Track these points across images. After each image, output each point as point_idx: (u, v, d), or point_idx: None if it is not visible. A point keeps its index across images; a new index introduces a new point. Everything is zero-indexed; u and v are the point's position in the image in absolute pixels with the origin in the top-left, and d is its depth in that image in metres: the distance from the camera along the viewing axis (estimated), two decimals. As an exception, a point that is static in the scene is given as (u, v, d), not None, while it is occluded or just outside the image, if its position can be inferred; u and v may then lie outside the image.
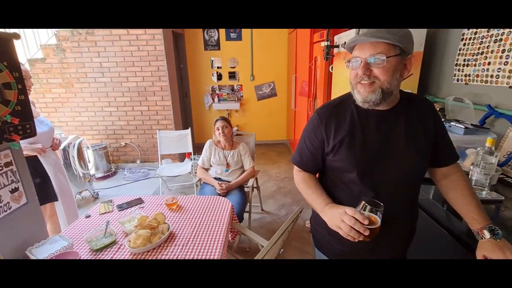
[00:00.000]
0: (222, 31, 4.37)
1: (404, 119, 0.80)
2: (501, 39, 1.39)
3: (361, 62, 0.73)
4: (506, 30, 1.36)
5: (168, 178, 3.32)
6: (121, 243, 1.26)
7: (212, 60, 4.51)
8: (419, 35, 1.78)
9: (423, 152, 0.81)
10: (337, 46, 2.08)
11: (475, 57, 1.55)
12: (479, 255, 0.75)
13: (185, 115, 4.47)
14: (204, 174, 2.20)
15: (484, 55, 1.49)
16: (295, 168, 0.96)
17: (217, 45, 4.44)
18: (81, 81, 3.53)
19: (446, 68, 1.80)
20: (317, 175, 0.96)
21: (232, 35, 4.42)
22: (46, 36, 3.48)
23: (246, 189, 2.24)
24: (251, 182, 2.19)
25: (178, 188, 3.26)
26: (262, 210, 2.67)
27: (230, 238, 1.70)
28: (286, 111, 4.79)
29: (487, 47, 1.47)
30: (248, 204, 2.18)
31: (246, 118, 4.84)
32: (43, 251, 1.17)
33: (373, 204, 0.69)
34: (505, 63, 1.37)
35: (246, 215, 2.18)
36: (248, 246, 2.11)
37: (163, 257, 1.17)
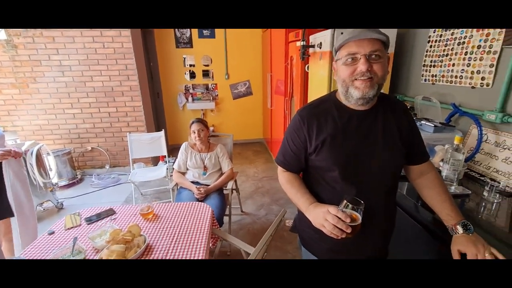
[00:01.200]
0: (195, 28, 4.23)
1: (382, 119, 0.84)
2: (463, 42, 1.48)
3: (361, 58, 0.73)
4: (469, 33, 1.45)
5: (141, 183, 3.15)
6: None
7: (185, 58, 4.35)
8: (390, 35, 1.84)
9: (399, 150, 0.85)
10: (313, 46, 2.10)
11: (440, 58, 1.64)
12: (454, 249, 0.80)
13: (157, 116, 4.27)
14: (180, 178, 2.11)
15: (449, 56, 1.58)
16: (279, 168, 0.96)
17: (189, 43, 4.29)
18: (37, 81, 3.20)
19: (415, 68, 1.90)
20: (301, 175, 0.97)
21: (205, 32, 4.29)
22: (-7, 30, 3.10)
23: (225, 192, 2.18)
24: (230, 184, 2.14)
25: (152, 194, 3.11)
26: (241, 211, 2.63)
27: (211, 245, 1.65)
28: (262, 109, 4.79)
29: (451, 49, 1.56)
30: (228, 207, 2.14)
31: (221, 118, 4.75)
32: None
33: (354, 202, 0.72)
34: (468, 65, 1.46)
35: (226, 218, 2.13)
36: (229, 250, 2.07)
37: (140, 273, 1.09)
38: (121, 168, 3.70)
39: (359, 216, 0.71)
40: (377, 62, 0.74)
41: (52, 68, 3.18)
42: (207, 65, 4.46)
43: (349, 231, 0.70)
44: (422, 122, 1.48)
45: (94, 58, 3.22)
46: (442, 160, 1.31)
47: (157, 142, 2.95)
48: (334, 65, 0.85)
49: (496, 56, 1.31)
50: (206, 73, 4.50)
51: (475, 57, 1.41)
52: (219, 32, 4.29)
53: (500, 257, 0.74)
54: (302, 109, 0.89)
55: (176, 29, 4.20)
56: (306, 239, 0.99)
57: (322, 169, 0.86)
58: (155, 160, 3.77)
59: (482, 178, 1.30)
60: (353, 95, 0.77)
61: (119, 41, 3.20)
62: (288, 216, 2.52)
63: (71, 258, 1.13)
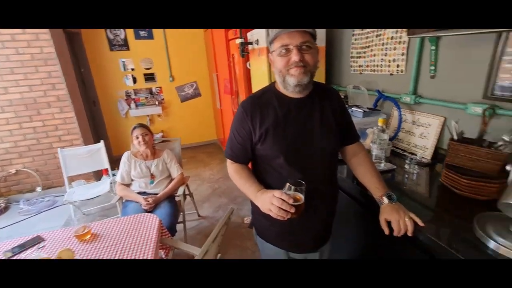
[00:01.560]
0: (130, 29, 3.94)
1: (318, 105, 0.91)
2: (380, 34, 1.65)
3: (293, 49, 0.79)
4: (382, 27, 1.62)
5: (82, 202, 2.83)
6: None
7: (123, 62, 4.03)
8: (320, 32, 1.95)
9: (335, 133, 0.93)
10: (251, 43, 2.12)
11: (364, 50, 1.81)
12: (382, 219, 0.89)
13: (94, 127, 3.87)
14: (125, 190, 1.95)
15: (370, 48, 1.75)
16: (228, 161, 0.99)
17: (125, 45, 3.98)
18: None
19: (344, 60, 2.05)
20: (250, 165, 1.00)
21: (142, 33, 4.03)
22: None
23: (177, 198, 2.08)
24: (181, 190, 2.05)
25: (97, 212, 2.82)
26: (198, 216, 2.55)
27: (163, 255, 1.55)
28: (212, 110, 4.71)
29: (372, 41, 1.73)
30: (182, 213, 2.05)
31: (170, 122, 4.54)
32: None
33: (296, 184, 0.77)
34: (385, 54, 1.63)
35: (181, 226, 2.04)
36: (186, 257, 1.99)
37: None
38: (57, 189, 3.26)
39: (301, 196, 0.77)
40: (307, 52, 0.81)
41: (-51, 80, 2.65)
42: (149, 68, 4.21)
43: (293, 211, 0.75)
44: (353, 108, 1.61)
45: (7, 66, 2.77)
46: (373, 141, 1.45)
47: (97, 154, 2.68)
48: (270, 56, 0.89)
49: (406, 45, 1.48)
50: (149, 77, 4.24)
51: (390, 47, 1.59)
52: (157, 32, 4.07)
53: (418, 220, 0.85)
54: (245, 101, 0.93)
55: (108, 31, 3.86)
56: (259, 228, 1.05)
57: (268, 157, 0.90)
58: (97, 175, 3.42)
59: (405, 154, 1.46)
60: (290, 83, 0.83)
61: (37, 45, 2.80)
62: (247, 213, 2.52)
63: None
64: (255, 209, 0.98)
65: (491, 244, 0.76)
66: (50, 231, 1.42)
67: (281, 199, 0.75)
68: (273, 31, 0.83)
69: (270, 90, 0.93)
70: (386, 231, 0.87)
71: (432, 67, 1.35)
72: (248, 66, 2.35)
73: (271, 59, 0.90)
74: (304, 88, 0.85)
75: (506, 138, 1.01)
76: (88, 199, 2.57)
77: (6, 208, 3.01)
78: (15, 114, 2.92)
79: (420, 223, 0.84)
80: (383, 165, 1.33)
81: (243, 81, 2.50)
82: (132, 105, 4.23)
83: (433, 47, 1.31)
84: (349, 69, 2.00)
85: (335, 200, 1.04)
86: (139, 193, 1.95)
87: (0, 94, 2.82)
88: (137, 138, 1.95)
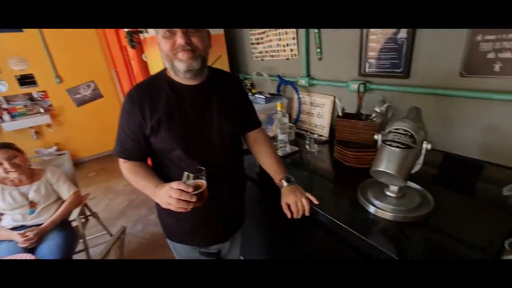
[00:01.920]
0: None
1: (216, 92, 0.86)
2: (272, 20, 1.66)
3: (177, 31, 0.72)
4: (273, 12, 1.63)
5: None
6: None
7: (-21, 62, 3.09)
8: (215, 18, 1.88)
9: (234, 120, 0.89)
10: (141, 32, 1.87)
11: (261, 35, 1.81)
12: (283, 203, 0.89)
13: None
14: None
15: (266, 33, 1.75)
16: (120, 160, 0.88)
17: (-22, 40, 3.05)
18: None
19: (246, 47, 2.03)
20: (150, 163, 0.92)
21: (4, 24, 3.15)
22: None
23: (74, 224, 1.72)
24: (76, 213, 1.69)
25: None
26: (111, 235, 2.20)
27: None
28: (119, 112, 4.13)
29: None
30: (82, 240, 1.70)
31: (67, 132, 3.78)
32: None
33: (195, 171, 0.73)
34: (279, 39, 1.66)
35: (82, 255, 1.70)
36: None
37: None
38: None
39: (203, 182, 0.73)
40: (195, 35, 0.74)
41: None
42: (23, 69, 3.36)
43: (194, 199, 0.70)
44: (256, 95, 1.60)
45: None
46: (277, 126, 1.46)
47: None
48: (157, 39, 0.79)
49: (295, 30, 1.53)
50: (26, 80, 3.39)
51: (282, 32, 1.62)
52: (27, 23, 3.26)
53: (313, 199, 0.87)
54: (131, 91, 0.83)
55: None
56: (166, 229, 0.98)
57: (164, 150, 0.83)
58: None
59: (308, 134, 1.54)
60: (179, 68, 0.76)
61: None
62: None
63: None
64: (160, 209, 0.90)
65: (371, 209, 0.83)
66: None
67: (179, 189, 0.69)
68: None
69: (161, 76, 0.83)
70: (288, 215, 0.87)
71: (318, 50, 1.43)
72: (144, 58, 2.09)
73: (158, 42, 0.79)
74: (196, 74, 0.79)
75: (377, 109, 1.13)
76: None
77: None
78: None
79: (315, 201, 0.86)
80: (288, 149, 1.36)
81: (140, 75, 2.22)
82: (6, 116, 3.32)
83: (316, 31, 1.38)
84: (252, 56, 1.99)
85: (241, 187, 1.03)
86: (14, 228, 1.52)
87: None
88: (1, 165, 1.49)
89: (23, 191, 1.58)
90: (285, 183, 0.90)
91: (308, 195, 0.87)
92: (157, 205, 0.87)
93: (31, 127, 3.50)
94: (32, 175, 1.65)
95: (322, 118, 1.51)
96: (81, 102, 3.85)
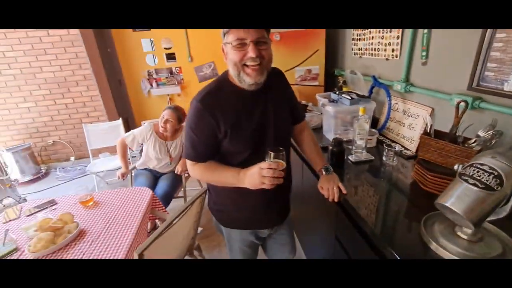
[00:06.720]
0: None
1: (271, 93, 0.93)
2: (379, 15, 1.53)
3: (249, 44, 0.78)
4: (382, 6, 1.49)
5: (108, 172, 3.16)
6: (24, 249, 1.22)
7: (144, 42, 4.20)
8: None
9: (287, 116, 1.00)
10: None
11: (363, 31, 1.69)
12: (319, 187, 1.05)
13: (121, 104, 4.19)
14: (121, 149, 2.05)
15: (369, 30, 1.63)
16: (189, 163, 0.94)
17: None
18: (-19, 75, 3.06)
19: (347, 43, 1.94)
20: None
21: (162, 13, 4.12)
22: None
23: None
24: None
25: (118, 182, 3.14)
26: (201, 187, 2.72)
27: (158, 223, 1.73)
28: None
29: (371, 22, 1.61)
30: (183, 189, 2.19)
31: (189, 102, 4.70)
32: None
33: (276, 151, 0.80)
34: (382, 37, 1.52)
35: (181, 201, 2.21)
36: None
37: (69, 256, 1.16)
38: (87, 159, 3.67)
39: (283, 162, 0.81)
40: (263, 47, 0.80)
41: (-4, 60, 3.03)
42: (169, 48, 4.34)
43: (282, 175, 0.78)
44: (343, 95, 1.55)
45: (40, 47, 3.08)
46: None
47: (116, 131, 2.95)
48: (223, 47, 0.87)
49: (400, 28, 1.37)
50: (170, 56, 4.39)
51: (386, 30, 1.47)
52: (176, 12, 4.13)
53: (342, 188, 1.01)
54: (202, 97, 0.88)
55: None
56: (226, 218, 1.07)
57: (234, 151, 0.91)
58: (121, 149, 3.75)
59: (392, 144, 1.40)
60: (246, 81, 0.83)
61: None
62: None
63: (2, 248, 1.19)
64: (217, 201, 1.04)
65: (432, 246, 0.74)
66: (64, 196, 1.67)
67: (270, 168, 0.76)
68: None
69: (225, 83, 0.90)
70: (325, 194, 1.02)
71: (424, 53, 1.24)
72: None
73: (224, 50, 0.88)
74: (260, 85, 0.86)
75: (480, 134, 0.94)
76: (109, 170, 2.87)
77: (46, 174, 3.50)
78: (49, 92, 3.28)
79: (344, 191, 1.00)
80: (362, 156, 1.31)
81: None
82: (154, 84, 4.44)
83: (426, 31, 1.20)
84: (351, 52, 1.90)
85: (290, 178, 1.10)
86: (150, 169, 2.12)
87: (36, 72, 3.17)
88: (163, 118, 1.99)
89: (167, 146, 2.08)
90: (323, 172, 1.05)
91: (340, 185, 1.01)
92: (214, 197, 1.05)
93: (167, 95, 4.55)
94: (174, 133, 2.11)
95: (413, 130, 1.34)
96: (202, 79, 4.66)
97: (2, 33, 2.94)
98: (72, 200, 1.62)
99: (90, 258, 1.15)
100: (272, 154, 0.79)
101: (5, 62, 3.05)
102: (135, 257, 0.92)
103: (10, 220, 1.45)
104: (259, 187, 0.79)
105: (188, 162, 0.94)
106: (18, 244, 1.24)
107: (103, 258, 1.14)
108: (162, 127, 1.98)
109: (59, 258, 1.16)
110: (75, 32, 3.08)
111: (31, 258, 1.16)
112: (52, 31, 3.03)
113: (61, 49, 3.13)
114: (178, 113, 2.02)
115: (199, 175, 0.94)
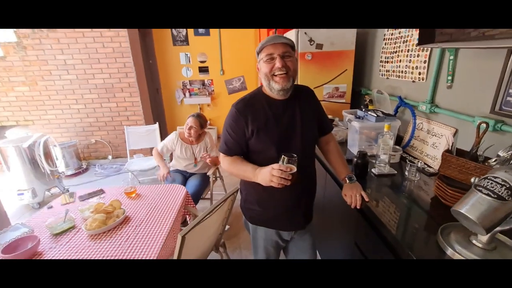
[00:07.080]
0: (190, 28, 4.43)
1: (299, 104, 1.07)
2: (407, 40, 1.64)
3: (276, 57, 0.95)
4: (410, 33, 1.61)
5: (140, 172, 3.43)
6: (80, 227, 1.42)
7: (182, 56, 4.58)
8: (350, 35, 2.02)
9: (314, 126, 1.13)
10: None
11: (391, 55, 1.81)
12: (343, 194, 1.14)
13: (157, 111, 4.54)
14: (158, 157, 2.30)
15: (397, 53, 1.74)
16: (221, 155, 1.12)
17: (185, 40, 4.52)
18: (45, 78, 3.52)
19: (374, 64, 2.06)
20: None
21: (200, 30, 4.50)
22: (2, 33, 3.43)
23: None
24: (211, 171, 2.35)
25: (149, 182, 3.39)
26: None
27: (188, 219, 1.89)
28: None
29: (399, 47, 1.72)
30: (210, 192, 2.36)
31: (217, 112, 4.98)
32: (5, 237, 1.31)
33: (289, 156, 0.91)
34: (409, 61, 1.62)
35: (207, 202, 2.36)
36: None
37: (116, 237, 1.34)
38: (122, 159, 4.00)
39: (294, 166, 0.91)
40: (288, 59, 0.97)
41: (58, 67, 3.49)
42: (203, 62, 4.69)
43: (290, 178, 0.89)
44: (369, 113, 1.66)
45: (95, 57, 3.50)
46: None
47: (152, 134, 3.22)
48: (258, 65, 1.05)
49: (428, 53, 1.47)
50: (203, 69, 4.73)
51: (414, 54, 1.57)
52: (213, 30, 4.49)
53: (365, 196, 1.08)
54: (237, 103, 1.06)
55: (173, 28, 4.42)
56: (254, 216, 1.19)
57: (261, 150, 1.04)
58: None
59: (415, 161, 1.47)
60: (275, 88, 0.99)
61: (117, 41, 3.46)
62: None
63: (63, 224, 1.40)
64: (247, 199, 1.17)
65: (449, 251, 0.81)
66: (110, 187, 1.89)
67: (280, 170, 0.88)
68: (260, 44, 1.01)
69: (259, 93, 1.07)
70: (348, 201, 1.11)
71: (449, 77, 1.33)
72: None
73: (258, 68, 1.04)
74: (287, 92, 1.01)
75: (501, 154, 1.00)
76: (143, 170, 3.12)
77: (86, 169, 3.85)
78: (98, 96, 3.68)
79: (366, 199, 1.08)
80: (385, 169, 1.39)
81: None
82: (187, 94, 4.78)
83: (452, 57, 1.29)
84: (378, 73, 2.01)
85: (314, 185, 1.21)
86: (178, 170, 2.33)
87: (89, 79, 3.59)
88: (187, 125, 2.24)
89: (192, 149, 2.32)
90: (347, 180, 1.14)
91: (363, 193, 1.09)
92: (245, 196, 1.17)
93: (198, 104, 4.86)
94: (199, 137, 2.36)
95: (436, 149, 1.40)
96: (231, 91, 4.94)
97: (66, 44, 3.40)
98: (117, 191, 1.83)
99: (134, 240, 1.32)
100: (286, 158, 0.90)
101: (65, 69, 3.50)
102: (179, 238, 1.07)
103: (67, 203, 1.69)
104: (268, 184, 0.93)
105: (221, 154, 1.12)
106: (75, 223, 1.45)
107: (145, 241, 1.31)
108: (187, 133, 2.22)
109: (108, 237, 1.34)
110: (126, 45, 3.47)
111: (86, 234, 1.35)
112: (106, 43, 3.45)
113: (112, 59, 3.53)
114: (200, 120, 2.27)
115: (227, 166, 1.10)
